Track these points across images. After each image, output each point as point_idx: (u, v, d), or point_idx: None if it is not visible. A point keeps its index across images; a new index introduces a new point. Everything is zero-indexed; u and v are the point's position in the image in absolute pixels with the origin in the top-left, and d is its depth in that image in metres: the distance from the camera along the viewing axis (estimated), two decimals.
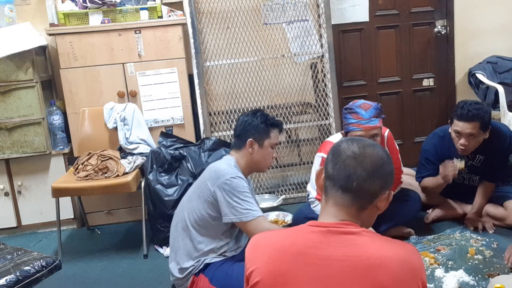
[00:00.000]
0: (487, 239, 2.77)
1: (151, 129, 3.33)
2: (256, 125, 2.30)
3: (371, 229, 1.41)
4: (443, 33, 3.99)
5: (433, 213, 3.08)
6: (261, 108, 3.52)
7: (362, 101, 2.57)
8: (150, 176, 3.02)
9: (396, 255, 1.16)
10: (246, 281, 1.26)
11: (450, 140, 2.88)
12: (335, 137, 2.78)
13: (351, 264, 1.15)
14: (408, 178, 3.19)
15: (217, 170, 2.21)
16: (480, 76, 3.74)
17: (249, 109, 3.53)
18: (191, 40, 3.39)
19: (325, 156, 2.62)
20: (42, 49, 3.41)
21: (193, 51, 3.40)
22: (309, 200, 2.81)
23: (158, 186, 2.99)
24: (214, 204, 2.18)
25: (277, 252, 1.21)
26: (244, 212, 2.13)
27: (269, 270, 1.20)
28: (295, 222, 2.84)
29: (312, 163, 2.82)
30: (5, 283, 1.88)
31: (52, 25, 3.29)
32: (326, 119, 3.59)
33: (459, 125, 2.74)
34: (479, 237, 2.80)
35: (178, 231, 2.28)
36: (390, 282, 1.13)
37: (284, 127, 2.44)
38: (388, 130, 2.76)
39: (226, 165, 2.24)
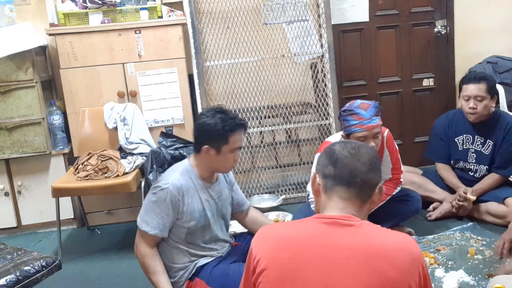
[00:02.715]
0: (487, 239, 2.77)
1: (151, 129, 3.33)
2: (212, 130, 2.07)
3: None
4: (443, 33, 3.99)
5: (436, 211, 3.10)
6: (259, 107, 3.52)
7: (359, 101, 2.56)
8: (150, 176, 3.02)
9: (395, 244, 1.25)
10: (253, 270, 1.30)
11: (459, 119, 3.12)
12: (335, 137, 2.78)
13: (354, 252, 1.22)
14: (410, 175, 3.20)
15: (162, 174, 2.23)
16: None
17: (249, 109, 3.56)
18: (191, 40, 3.39)
19: None
20: (42, 49, 3.41)
21: (193, 51, 3.40)
22: (309, 200, 2.80)
23: None
24: None
25: (284, 242, 1.28)
26: (139, 220, 2.12)
27: (276, 258, 1.26)
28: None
29: (312, 163, 2.82)
30: (5, 283, 1.88)
31: (52, 25, 3.29)
32: (326, 119, 3.58)
33: (467, 89, 2.98)
34: (479, 237, 2.80)
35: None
36: (391, 269, 1.20)
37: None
38: (387, 130, 2.76)
39: (172, 171, 2.19)
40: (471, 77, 3.01)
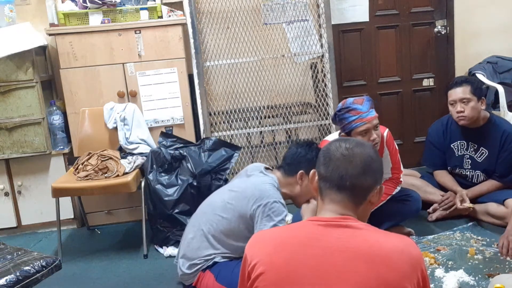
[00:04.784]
0: (487, 239, 2.77)
1: (151, 129, 3.33)
2: (311, 159, 2.30)
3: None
4: (443, 33, 3.99)
5: (437, 212, 3.09)
6: (261, 106, 3.53)
7: (351, 98, 2.59)
8: (150, 176, 3.02)
9: (394, 246, 1.21)
10: (248, 276, 1.28)
11: (453, 125, 3.10)
12: (333, 136, 2.78)
13: (351, 254, 1.19)
14: (409, 178, 3.19)
15: (263, 190, 2.24)
16: (480, 76, 3.74)
17: (249, 109, 3.56)
18: (191, 40, 3.39)
19: None
20: (42, 49, 3.41)
21: (193, 51, 3.40)
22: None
23: (158, 186, 2.99)
24: (248, 221, 2.22)
25: (279, 245, 1.26)
26: None
27: (272, 261, 1.24)
28: (295, 222, 2.84)
29: None
30: (5, 283, 1.88)
31: (52, 25, 3.29)
32: (326, 119, 3.58)
33: (452, 94, 2.98)
34: (479, 237, 2.80)
35: (198, 231, 2.31)
36: (389, 271, 1.17)
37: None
38: (387, 130, 2.76)
39: (272, 186, 2.27)
40: (454, 82, 3.02)
